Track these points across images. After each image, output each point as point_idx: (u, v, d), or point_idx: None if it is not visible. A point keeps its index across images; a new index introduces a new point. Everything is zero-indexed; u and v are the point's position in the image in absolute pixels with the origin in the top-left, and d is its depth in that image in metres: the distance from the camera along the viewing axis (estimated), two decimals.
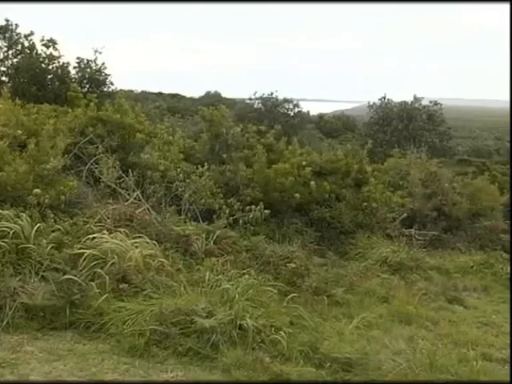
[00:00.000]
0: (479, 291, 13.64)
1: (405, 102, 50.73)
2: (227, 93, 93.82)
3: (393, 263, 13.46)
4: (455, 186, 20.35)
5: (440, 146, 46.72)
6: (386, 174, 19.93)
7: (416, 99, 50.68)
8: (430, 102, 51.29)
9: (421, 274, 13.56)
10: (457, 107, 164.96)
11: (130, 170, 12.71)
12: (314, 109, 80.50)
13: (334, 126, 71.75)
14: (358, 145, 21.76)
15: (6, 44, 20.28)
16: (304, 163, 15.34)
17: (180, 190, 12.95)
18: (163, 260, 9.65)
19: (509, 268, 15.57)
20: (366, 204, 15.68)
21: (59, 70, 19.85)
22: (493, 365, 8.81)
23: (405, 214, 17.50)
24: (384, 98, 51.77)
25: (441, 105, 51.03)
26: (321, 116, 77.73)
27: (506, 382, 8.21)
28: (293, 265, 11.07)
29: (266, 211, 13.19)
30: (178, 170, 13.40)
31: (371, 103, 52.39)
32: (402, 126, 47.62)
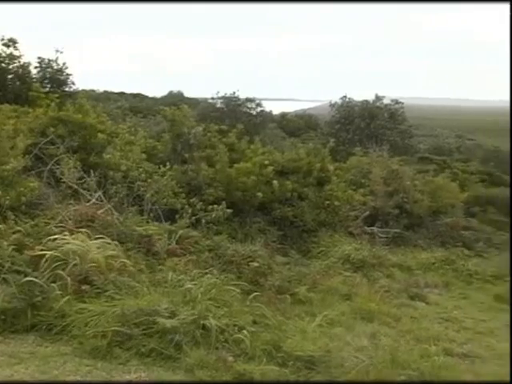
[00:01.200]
0: (440, 287, 13.82)
1: (366, 100, 50.98)
2: (190, 92, 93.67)
3: (355, 261, 13.57)
4: (416, 184, 20.56)
5: (401, 145, 47.03)
6: (348, 173, 20.09)
7: (377, 98, 50.96)
8: (392, 100, 51.63)
9: (383, 271, 13.70)
10: (418, 106, 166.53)
11: (91, 171, 12.61)
12: (276, 108, 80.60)
13: (297, 125, 71.81)
14: (320, 144, 21.84)
15: None
16: (266, 162, 15.38)
17: (142, 190, 12.89)
18: (125, 260, 9.56)
19: (470, 264, 15.81)
20: (328, 202, 15.78)
21: (20, 70, 19.66)
22: (454, 360, 8.97)
23: (367, 212, 17.66)
24: (346, 96, 52.01)
25: (402, 103, 51.39)
26: (283, 115, 77.80)
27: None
28: (255, 264, 11.08)
29: (228, 210, 13.20)
30: (140, 170, 13.34)
31: (333, 102, 52.57)
32: (364, 125, 47.85)
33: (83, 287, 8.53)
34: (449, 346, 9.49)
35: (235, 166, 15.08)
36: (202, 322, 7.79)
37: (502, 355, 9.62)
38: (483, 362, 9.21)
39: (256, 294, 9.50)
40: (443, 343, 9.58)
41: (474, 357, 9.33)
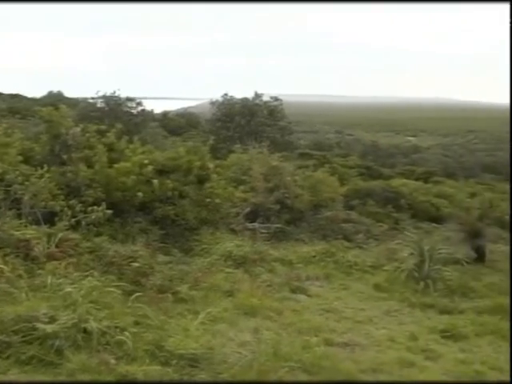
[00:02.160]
0: (321, 280, 14.10)
1: (246, 98, 51.47)
2: (70, 92, 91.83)
3: (237, 257, 13.65)
4: (297, 179, 20.89)
5: (281, 141, 47.75)
6: (228, 170, 20.20)
7: (257, 95, 51.60)
8: (271, 97, 52.36)
9: (265, 266, 13.84)
10: (298, 103, 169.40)
11: None
12: (158, 107, 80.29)
13: (178, 124, 71.87)
14: (200, 142, 21.87)
15: None
16: (146, 161, 15.24)
17: (20, 193, 12.55)
18: (2, 266, 9.32)
19: (350, 256, 16.21)
20: (209, 200, 15.81)
21: None
22: (335, 349, 9.24)
23: (248, 209, 17.82)
24: (226, 94, 52.36)
25: (281, 100, 52.21)
26: (165, 114, 77.66)
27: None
28: (136, 264, 11.00)
29: (108, 211, 13.01)
30: (17, 172, 12.97)
31: (214, 100, 52.80)
32: (244, 122, 48.31)
33: None
34: (329, 337, 9.75)
35: (114, 166, 14.87)
36: (82, 325, 7.69)
37: (381, 342, 10.00)
38: (363, 349, 9.51)
39: (138, 294, 9.42)
40: (324, 334, 9.84)
41: (354, 345, 9.61)
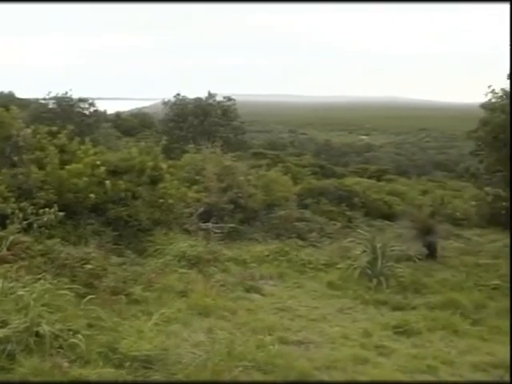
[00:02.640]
0: (275, 279, 14.16)
1: (199, 98, 51.40)
2: (21, 93, 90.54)
3: (191, 257, 13.63)
4: (250, 179, 20.95)
5: (235, 140, 47.80)
6: (181, 170, 20.14)
7: (210, 95, 51.55)
8: (224, 97, 52.34)
9: (218, 266, 13.86)
10: (252, 103, 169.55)
11: None
12: (111, 107, 79.73)
13: (132, 124, 71.53)
14: (153, 142, 21.78)
15: None
16: (98, 163, 15.13)
17: None
18: None
19: (303, 254, 16.30)
20: (162, 201, 15.76)
21: None
22: (289, 347, 9.29)
23: (202, 209, 17.80)
24: (179, 94, 52.22)
25: (234, 100, 52.23)
26: (118, 114, 77.17)
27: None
28: (89, 266, 10.92)
29: (60, 213, 12.91)
30: None
31: (166, 100, 52.63)
32: (198, 122, 48.24)
33: None
34: (284, 335, 9.80)
35: (66, 167, 14.73)
36: (35, 329, 7.61)
37: (335, 339, 10.09)
38: (317, 347, 9.59)
39: (91, 296, 9.37)
40: (278, 332, 9.89)
41: (308, 343, 9.70)
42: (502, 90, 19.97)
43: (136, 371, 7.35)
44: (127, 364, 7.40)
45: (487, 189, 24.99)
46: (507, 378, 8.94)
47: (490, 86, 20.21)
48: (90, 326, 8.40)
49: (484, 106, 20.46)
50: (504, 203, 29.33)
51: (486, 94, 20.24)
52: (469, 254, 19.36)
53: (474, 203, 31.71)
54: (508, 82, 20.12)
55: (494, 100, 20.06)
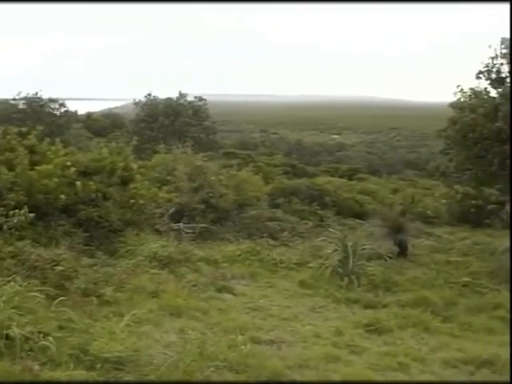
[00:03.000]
0: (247, 278, 14.19)
1: (170, 98, 51.27)
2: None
3: (162, 258, 13.57)
4: (221, 179, 20.96)
5: (206, 140, 47.78)
6: (152, 171, 20.08)
7: (181, 95, 51.43)
8: (195, 97, 52.25)
9: (190, 266, 13.82)
10: (223, 102, 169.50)
11: None
12: (82, 108, 79.34)
13: (103, 125, 71.25)
14: (125, 142, 21.68)
15: None
16: (68, 163, 15.04)
17: None
18: None
19: (275, 254, 16.34)
20: (133, 201, 15.69)
21: None
22: (261, 347, 9.31)
23: (173, 209, 17.77)
24: (150, 94, 52.03)
25: (205, 100, 52.15)
26: (89, 115, 76.78)
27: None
28: (60, 268, 10.83)
29: (31, 214, 12.77)
30: None
31: (137, 100, 52.43)
32: (168, 122, 48.14)
33: None
34: (256, 335, 9.82)
35: (36, 168, 14.61)
36: (5, 331, 7.56)
37: (307, 338, 10.13)
38: (289, 346, 9.62)
39: (62, 298, 9.32)
40: (250, 332, 9.90)
41: (280, 342, 9.72)
42: (471, 89, 20.15)
43: (107, 373, 7.32)
44: (98, 366, 7.38)
45: (457, 187, 25.19)
46: (479, 375, 9.06)
47: (458, 86, 20.39)
48: (60, 328, 8.35)
49: (453, 105, 20.62)
50: (473, 201, 29.67)
51: (455, 94, 20.42)
52: (439, 252, 19.55)
53: (444, 201, 32.03)
54: (476, 81, 20.35)
55: (462, 99, 20.22)
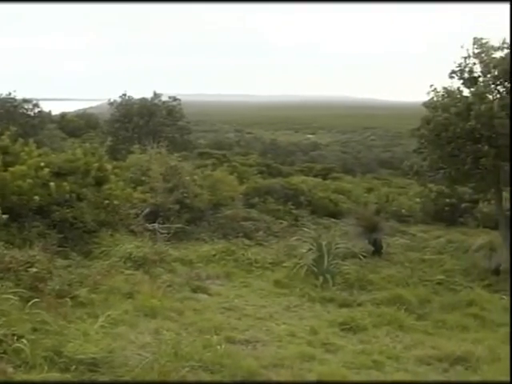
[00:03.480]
0: (222, 278, 14.22)
1: (145, 98, 51.10)
2: None
3: (137, 258, 13.52)
4: (196, 179, 20.94)
5: (181, 141, 47.67)
6: (127, 171, 20.02)
7: (156, 95, 51.28)
8: (169, 97, 52.11)
9: (165, 266, 13.81)
10: (198, 102, 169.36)
11: None
12: (56, 108, 78.78)
13: (77, 125, 70.86)
14: (99, 143, 21.60)
15: None
16: (42, 164, 14.96)
17: None
18: None
19: (250, 253, 16.36)
20: (107, 202, 15.63)
21: None
22: (236, 347, 9.32)
23: (148, 209, 17.74)
24: (125, 95, 51.81)
25: (179, 100, 52.02)
26: (63, 115, 76.27)
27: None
28: (34, 269, 10.72)
29: (4, 216, 12.70)
30: None
31: (112, 100, 52.20)
32: (143, 123, 47.99)
33: None
34: (231, 334, 9.83)
35: (10, 169, 14.51)
36: None
37: (282, 337, 10.16)
38: (264, 345, 9.65)
39: (36, 300, 9.23)
40: (225, 332, 9.90)
41: (256, 342, 9.75)
42: (444, 88, 20.27)
43: (82, 374, 7.27)
44: (73, 367, 7.31)
45: (431, 186, 25.37)
46: (452, 372, 9.14)
47: (431, 85, 20.51)
48: (34, 330, 8.27)
49: (426, 104, 20.73)
50: (447, 200, 29.94)
51: (428, 93, 20.54)
52: (414, 250, 19.72)
53: (418, 200, 32.29)
54: (449, 80, 20.48)
55: (435, 99, 20.34)
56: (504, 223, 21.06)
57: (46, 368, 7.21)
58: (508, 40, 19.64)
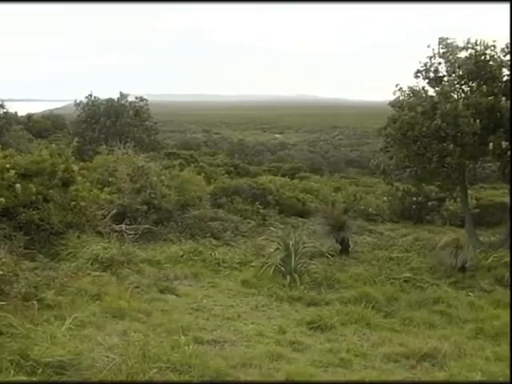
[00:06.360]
0: (190, 278, 14.21)
1: (111, 99, 50.81)
2: None
3: (104, 260, 13.47)
4: (163, 179, 20.89)
5: (148, 141, 47.49)
6: (94, 172, 19.91)
7: (122, 96, 50.99)
8: (136, 98, 51.87)
9: (132, 267, 13.77)
10: (166, 102, 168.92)
11: None
12: (22, 109, 78.00)
13: (44, 126, 70.13)
14: (66, 144, 21.44)
15: None
16: (7, 166, 14.85)
17: None
18: None
19: (217, 253, 16.36)
20: (74, 203, 15.56)
21: None
22: (204, 347, 9.33)
23: (115, 210, 17.66)
24: (91, 95, 51.45)
25: (146, 100, 51.79)
26: (29, 116, 75.54)
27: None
28: (0, 272, 10.67)
29: None
30: None
31: (78, 101, 51.83)
32: (110, 123, 47.70)
33: None
34: (199, 335, 9.83)
35: None
36: None
37: (250, 337, 10.19)
38: (232, 345, 9.68)
39: (1, 303, 9.16)
40: (193, 332, 9.91)
41: (224, 342, 9.77)
42: (410, 88, 20.42)
43: (49, 378, 7.22)
44: (40, 371, 7.25)
45: (397, 184, 25.55)
46: (419, 368, 9.23)
47: (397, 85, 20.65)
48: (0, 333, 8.20)
49: (392, 103, 20.87)
50: (414, 198, 30.19)
51: (394, 93, 20.68)
52: (381, 249, 19.80)
53: (385, 199, 32.51)
54: (414, 80, 20.66)
55: (401, 98, 20.49)
56: (469, 221, 21.32)
57: (12, 372, 7.15)
58: (473, 40, 19.93)
